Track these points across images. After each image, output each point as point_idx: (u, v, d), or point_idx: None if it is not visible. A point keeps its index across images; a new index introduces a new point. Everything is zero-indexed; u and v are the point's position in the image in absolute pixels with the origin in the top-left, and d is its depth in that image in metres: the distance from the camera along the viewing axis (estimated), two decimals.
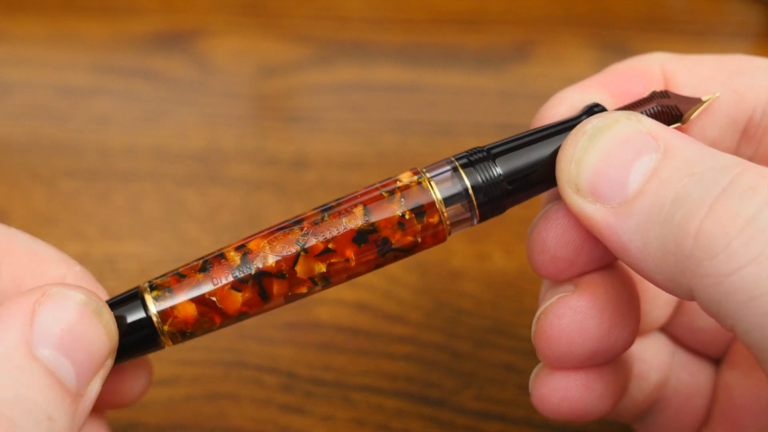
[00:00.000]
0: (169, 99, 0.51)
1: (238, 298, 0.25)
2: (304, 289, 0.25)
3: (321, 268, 0.25)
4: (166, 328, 0.25)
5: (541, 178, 0.26)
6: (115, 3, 0.56)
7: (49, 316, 0.22)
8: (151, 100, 0.51)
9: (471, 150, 0.26)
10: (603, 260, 0.26)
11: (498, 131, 0.48)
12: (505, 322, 0.39)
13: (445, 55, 0.53)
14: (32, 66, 0.53)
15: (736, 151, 0.28)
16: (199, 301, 0.25)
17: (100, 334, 0.23)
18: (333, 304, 0.40)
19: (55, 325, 0.22)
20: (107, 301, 0.25)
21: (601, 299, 0.26)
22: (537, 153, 0.26)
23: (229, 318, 0.25)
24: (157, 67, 0.52)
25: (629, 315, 0.26)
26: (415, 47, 0.54)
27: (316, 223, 0.25)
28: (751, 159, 0.28)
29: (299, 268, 0.25)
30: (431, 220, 0.25)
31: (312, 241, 0.25)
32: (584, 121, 0.25)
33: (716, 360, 0.32)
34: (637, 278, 0.27)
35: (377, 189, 0.26)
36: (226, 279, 0.25)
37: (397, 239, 0.25)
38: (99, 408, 0.27)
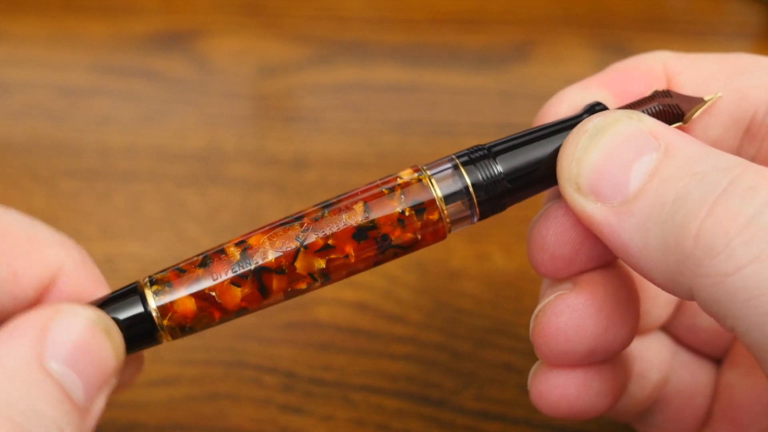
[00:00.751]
0: (169, 99, 0.51)
1: (238, 293, 0.25)
2: (303, 285, 0.25)
3: (321, 264, 0.25)
4: (165, 322, 0.25)
5: (541, 176, 0.26)
6: (115, 3, 0.56)
7: (61, 332, 0.22)
8: (151, 100, 0.51)
9: (472, 148, 0.26)
10: (602, 259, 0.26)
11: (498, 131, 0.48)
12: (505, 322, 0.39)
13: (445, 55, 0.53)
14: (32, 66, 0.53)
15: (739, 151, 0.28)
16: (198, 296, 0.25)
17: (109, 352, 0.23)
18: (333, 303, 0.40)
19: (65, 341, 0.22)
20: (107, 296, 0.25)
21: (600, 298, 0.26)
22: (538, 151, 0.26)
23: (229, 313, 0.25)
24: (157, 67, 0.52)
25: (628, 314, 0.26)
26: (415, 47, 0.54)
27: (316, 220, 0.25)
28: (753, 158, 0.28)
29: (299, 264, 0.25)
30: (431, 217, 0.25)
31: (312, 237, 0.25)
32: (585, 120, 0.25)
33: (717, 359, 0.32)
34: (638, 277, 0.27)
35: (378, 186, 0.26)
36: (225, 274, 0.25)
37: (397, 236, 0.25)
38: None
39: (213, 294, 0.25)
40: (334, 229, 0.25)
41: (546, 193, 0.28)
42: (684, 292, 0.22)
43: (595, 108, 0.26)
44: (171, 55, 0.53)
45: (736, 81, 0.27)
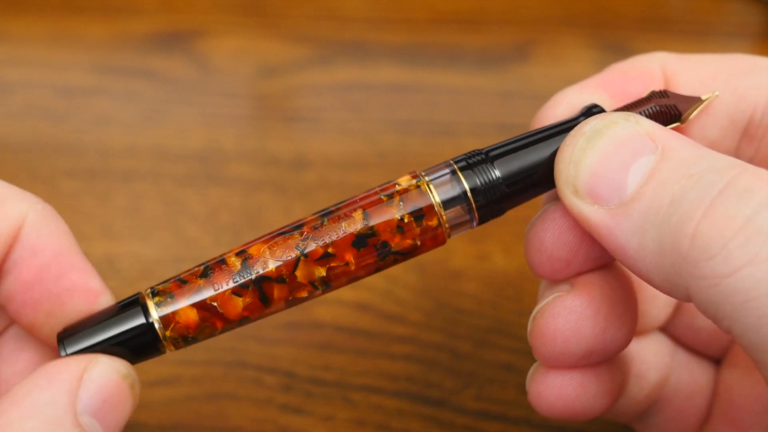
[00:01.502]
0: (169, 99, 0.51)
1: (239, 303, 0.25)
2: (304, 294, 0.25)
3: (321, 272, 0.25)
4: (168, 333, 0.25)
5: (539, 180, 0.26)
6: (115, 3, 0.56)
7: (94, 386, 0.24)
8: (151, 100, 0.51)
9: (469, 153, 0.26)
10: (600, 260, 0.26)
11: (498, 131, 0.48)
12: (505, 322, 0.39)
13: (445, 55, 0.53)
14: (32, 66, 0.53)
15: (737, 152, 0.28)
16: (200, 306, 0.25)
17: (129, 404, 0.25)
18: (333, 304, 0.40)
19: (98, 396, 0.24)
20: (110, 307, 0.25)
21: (597, 299, 0.26)
22: (535, 155, 0.26)
23: (231, 323, 0.25)
24: (157, 67, 0.52)
25: (625, 315, 0.26)
26: (415, 47, 0.54)
27: (315, 228, 0.25)
28: (751, 159, 0.28)
29: (299, 273, 0.25)
30: (430, 223, 0.25)
31: (312, 246, 0.25)
32: (582, 123, 0.25)
33: (716, 360, 0.32)
34: (636, 279, 0.27)
35: (376, 193, 0.26)
36: (227, 284, 0.25)
37: (397, 243, 0.25)
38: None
39: (215, 304, 0.25)
40: (334, 238, 0.25)
41: (544, 195, 0.28)
42: (681, 294, 0.22)
43: (592, 110, 0.26)
44: (171, 55, 0.53)
45: (735, 82, 0.27)
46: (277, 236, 0.25)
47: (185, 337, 0.25)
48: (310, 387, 0.37)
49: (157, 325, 0.25)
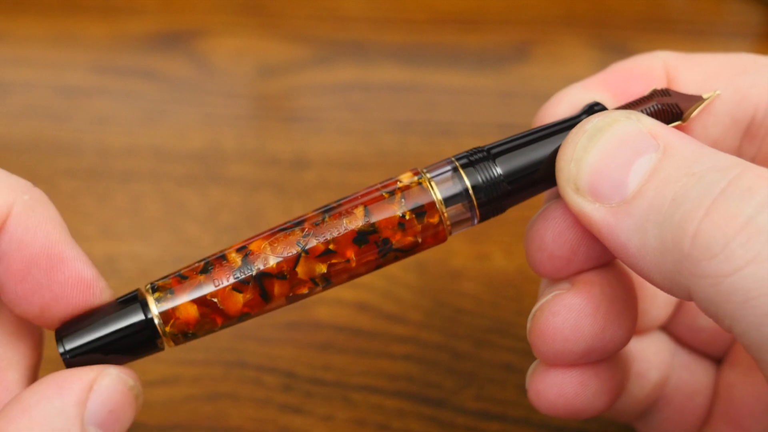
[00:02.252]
0: (169, 99, 0.51)
1: (240, 299, 0.25)
2: (305, 290, 0.25)
3: (322, 268, 0.25)
4: (167, 329, 0.25)
5: (541, 177, 0.26)
6: (115, 3, 0.56)
7: (102, 397, 0.24)
8: (151, 100, 0.51)
9: (471, 150, 0.26)
10: (600, 259, 0.26)
11: (498, 131, 0.48)
12: (505, 322, 0.39)
13: (445, 55, 0.53)
14: (32, 66, 0.53)
15: (739, 151, 0.28)
16: (200, 302, 0.25)
17: (132, 414, 0.25)
18: (333, 304, 0.40)
19: (105, 407, 0.24)
20: (109, 303, 0.25)
21: (597, 298, 0.26)
22: (537, 153, 0.26)
23: (231, 319, 0.25)
24: (157, 67, 0.52)
25: (625, 314, 0.26)
26: (415, 47, 0.54)
27: (316, 224, 0.25)
28: (753, 158, 0.28)
29: (300, 269, 0.25)
30: (431, 220, 0.25)
31: (313, 242, 0.25)
32: (584, 121, 0.25)
33: (718, 359, 0.32)
34: (637, 277, 0.27)
35: (378, 189, 0.26)
36: (227, 280, 0.25)
37: (398, 240, 0.25)
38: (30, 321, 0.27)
39: (215, 300, 0.25)
40: (335, 234, 0.25)
41: (545, 193, 0.28)
42: (682, 293, 0.22)
43: (594, 108, 0.26)
44: (171, 55, 0.53)
45: (737, 81, 0.27)
46: (278, 232, 0.25)
47: (185, 333, 0.25)
48: (310, 387, 0.37)
49: (157, 321, 0.25)
